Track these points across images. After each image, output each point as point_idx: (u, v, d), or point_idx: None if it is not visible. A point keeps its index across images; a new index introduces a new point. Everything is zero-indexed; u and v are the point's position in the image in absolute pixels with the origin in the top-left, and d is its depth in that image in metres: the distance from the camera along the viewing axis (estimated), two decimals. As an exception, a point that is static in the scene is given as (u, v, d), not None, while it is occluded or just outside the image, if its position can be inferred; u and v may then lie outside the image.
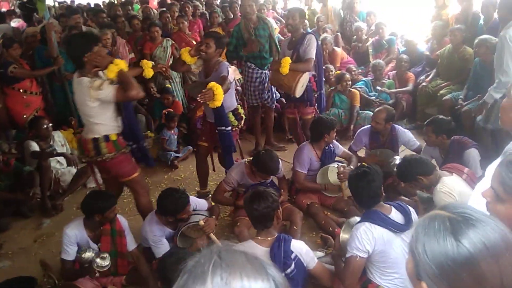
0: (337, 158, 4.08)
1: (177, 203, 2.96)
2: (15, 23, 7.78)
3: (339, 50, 6.56)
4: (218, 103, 3.27)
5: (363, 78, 6.05)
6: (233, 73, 3.67)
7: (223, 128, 3.59)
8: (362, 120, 5.37)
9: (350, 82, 5.53)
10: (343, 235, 2.74)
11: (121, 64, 2.80)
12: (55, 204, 4.21)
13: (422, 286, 0.95)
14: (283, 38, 7.42)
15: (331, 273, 2.66)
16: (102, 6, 9.86)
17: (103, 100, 2.81)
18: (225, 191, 3.70)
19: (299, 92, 4.06)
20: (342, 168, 3.63)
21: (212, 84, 3.23)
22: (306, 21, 7.61)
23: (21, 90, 4.89)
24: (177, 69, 4.00)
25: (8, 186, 4.00)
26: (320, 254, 3.17)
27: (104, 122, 2.95)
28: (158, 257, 2.99)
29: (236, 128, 3.84)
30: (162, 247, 3.01)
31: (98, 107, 2.85)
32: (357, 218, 2.80)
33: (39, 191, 4.04)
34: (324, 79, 4.92)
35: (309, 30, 6.06)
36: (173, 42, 5.86)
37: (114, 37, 5.70)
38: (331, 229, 3.44)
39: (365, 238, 2.33)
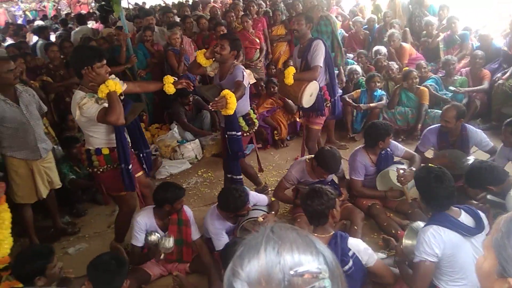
0: (397, 159, 3.88)
1: (237, 202, 3.06)
2: (90, 25, 8.42)
3: (407, 46, 6.30)
4: (230, 112, 3.19)
5: (433, 75, 5.76)
6: (248, 77, 3.57)
7: (233, 133, 3.49)
8: (431, 120, 5.11)
9: (417, 79, 5.30)
10: (406, 241, 2.66)
11: (111, 86, 2.76)
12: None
13: (509, 282, 0.92)
14: (346, 34, 7.36)
15: (392, 272, 2.59)
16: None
17: (88, 118, 2.82)
18: (286, 188, 3.72)
19: (306, 102, 3.85)
20: (401, 171, 3.44)
21: (226, 92, 3.15)
22: (374, 16, 7.43)
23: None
24: (193, 72, 3.91)
25: (86, 176, 4.35)
26: (382, 255, 3.09)
27: (97, 136, 2.96)
28: (217, 249, 3.10)
29: (247, 134, 3.70)
30: (222, 240, 3.12)
31: (87, 122, 2.87)
32: (420, 223, 2.71)
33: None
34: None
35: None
36: (238, 40, 5.98)
37: (181, 35, 5.97)
38: (393, 231, 3.34)
39: (434, 241, 2.24)
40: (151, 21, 6.33)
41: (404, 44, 6.29)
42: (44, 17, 13.84)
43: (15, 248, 3.66)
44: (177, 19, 7.07)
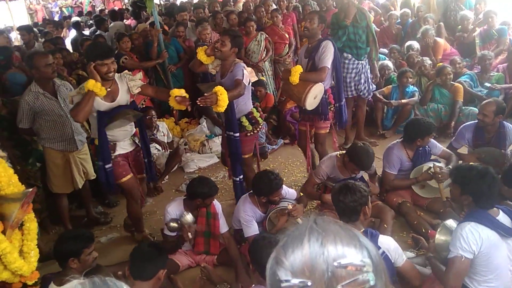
0: (432, 157, 3.79)
1: (271, 184, 3.08)
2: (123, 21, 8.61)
3: (441, 41, 6.12)
4: (221, 109, 3.09)
5: (468, 71, 5.58)
6: (249, 75, 3.45)
7: (231, 133, 3.41)
8: (465, 117, 4.96)
9: (451, 76, 5.15)
10: (439, 237, 2.61)
11: (90, 86, 2.86)
12: (156, 185, 4.63)
13: None
14: (378, 30, 7.22)
15: (420, 273, 2.55)
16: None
17: None
18: (315, 184, 3.70)
19: (310, 104, 3.67)
20: (438, 169, 3.37)
21: (218, 88, 3.06)
22: (408, 11, 7.25)
23: (131, 80, 5.44)
24: (195, 69, 3.79)
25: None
26: (411, 254, 3.05)
27: (92, 127, 3.24)
28: (246, 236, 3.14)
29: (251, 133, 3.57)
30: (252, 227, 3.15)
31: None
32: (453, 221, 2.65)
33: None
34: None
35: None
36: (267, 35, 5.98)
37: (210, 31, 6.02)
38: (424, 230, 3.27)
39: (471, 238, 2.19)
40: (184, 17, 6.41)
41: (438, 39, 6.11)
42: (80, 13, 14.26)
43: (51, 236, 3.85)
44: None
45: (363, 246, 0.77)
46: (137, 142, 3.42)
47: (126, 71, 3.36)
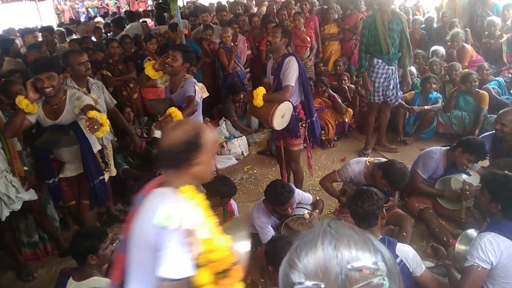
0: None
1: (279, 196, 3.07)
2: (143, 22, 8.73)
3: (469, 47, 6.00)
4: None
5: (496, 78, 5.43)
6: (200, 91, 3.36)
7: None
8: (490, 126, 4.81)
9: (476, 83, 5.03)
10: (459, 246, 2.58)
11: (17, 101, 2.81)
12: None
13: None
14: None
15: (439, 284, 2.49)
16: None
17: None
18: (335, 181, 3.65)
19: (278, 124, 3.52)
20: (467, 186, 3.24)
21: (172, 110, 2.92)
22: (433, 16, 7.12)
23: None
24: (142, 85, 3.57)
25: (139, 166, 4.54)
26: (430, 264, 2.97)
27: None
28: (264, 243, 3.13)
29: None
30: (268, 233, 3.14)
31: None
32: (475, 231, 2.59)
33: (163, 172, 4.51)
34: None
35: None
36: (288, 39, 5.97)
37: (236, 33, 6.06)
38: (445, 239, 3.20)
39: (490, 248, 2.14)
40: (205, 18, 6.47)
41: (465, 45, 5.99)
42: (105, 14, 14.56)
43: (72, 232, 3.92)
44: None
45: (377, 250, 0.77)
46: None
47: (76, 90, 3.28)
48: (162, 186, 1.59)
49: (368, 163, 3.45)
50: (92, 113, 2.64)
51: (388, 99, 4.78)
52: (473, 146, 3.35)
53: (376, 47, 4.53)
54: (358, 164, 3.51)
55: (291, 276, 0.76)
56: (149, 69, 3.24)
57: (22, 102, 2.78)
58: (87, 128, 2.58)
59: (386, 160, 3.55)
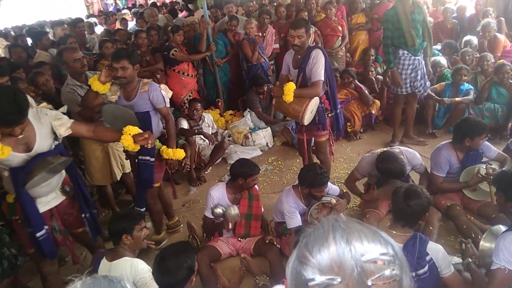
0: (484, 159, 3.54)
1: (317, 178, 3.04)
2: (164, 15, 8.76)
3: (502, 37, 5.78)
4: (136, 148, 2.67)
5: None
6: (165, 91, 3.25)
7: (147, 158, 3.05)
8: (524, 118, 4.66)
9: (510, 74, 4.83)
10: (484, 243, 2.52)
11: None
12: (199, 175, 4.73)
13: None
14: (432, 24, 6.91)
15: (466, 286, 2.44)
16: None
17: None
18: (356, 179, 3.65)
19: (307, 119, 3.51)
20: (490, 170, 3.17)
21: (127, 129, 2.64)
22: (465, 5, 6.88)
23: (179, 72, 5.61)
24: (89, 105, 3.16)
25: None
26: (457, 260, 2.90)
27: (4, 182, 2.56)
28: (289, 228, 3.15)
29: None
30: (295, 218, 3.14)
31: None
32: (502, 227, 2.53)
33: (189, 162, 4.58)
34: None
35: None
36: (316, 29, 5.90)
37: (265, 24, 6.05)
38: (473, 235, 3.11)
39: None
40: (230, 9, 6.46)
41: (498, 35, 5.77)
42: (133, 6, 14.74)
43: (101, 218, 4.04)
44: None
45: (387, 241, 0.77)
46: (67, 190, 2.71)
47: (44, 104, 3.03)
48: None
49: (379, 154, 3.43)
50: (126, 130, 2.64)
51: (416, 90, 4.67)
52: (470, 128, 3.31)
53: (401, 39, 4.44)
54: (371, 157, 3.49)
55: (304, 273, 0.76)
56: (95, 84, 2.98)
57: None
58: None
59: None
